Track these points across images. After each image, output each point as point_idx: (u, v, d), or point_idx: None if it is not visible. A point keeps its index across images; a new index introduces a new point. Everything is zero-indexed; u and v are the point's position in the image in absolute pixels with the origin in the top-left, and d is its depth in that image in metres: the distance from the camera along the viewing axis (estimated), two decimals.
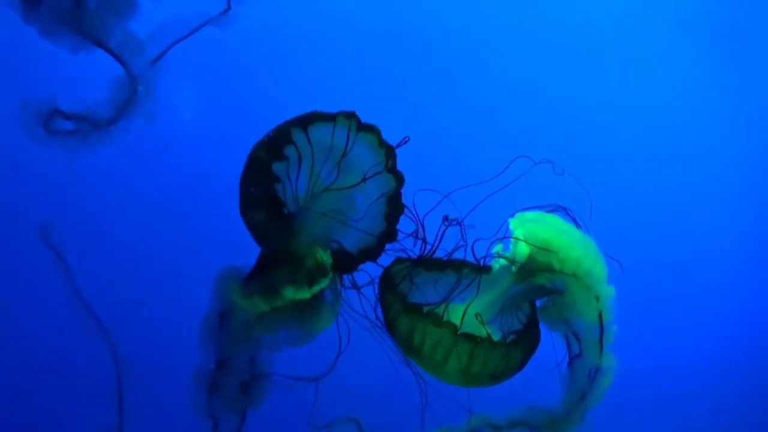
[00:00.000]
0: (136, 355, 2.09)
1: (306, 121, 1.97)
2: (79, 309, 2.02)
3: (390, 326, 2.01)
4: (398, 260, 2.07)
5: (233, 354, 1.99)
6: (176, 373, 2.04)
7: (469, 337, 1.89)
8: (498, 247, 2.06)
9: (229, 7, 1.92)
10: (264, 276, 1.92)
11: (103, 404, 2.08)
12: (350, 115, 1.98)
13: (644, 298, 3.43)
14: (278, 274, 1.91)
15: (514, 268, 2.01)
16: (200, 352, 1.98)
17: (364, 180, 1.99)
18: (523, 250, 2.00)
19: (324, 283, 1.92)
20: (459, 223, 2.03)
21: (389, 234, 2.03)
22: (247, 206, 1.94)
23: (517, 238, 1.99)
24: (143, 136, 1.92)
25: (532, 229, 1.97)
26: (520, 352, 1.95)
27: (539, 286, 1.99)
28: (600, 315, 1.94)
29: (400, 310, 1.94)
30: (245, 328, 1.95)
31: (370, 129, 2.01)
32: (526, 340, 1.99)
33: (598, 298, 1.93)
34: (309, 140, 1.98)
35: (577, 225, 2.01)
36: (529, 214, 2.01)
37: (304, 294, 1.89)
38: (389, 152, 2.00)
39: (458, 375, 1.92)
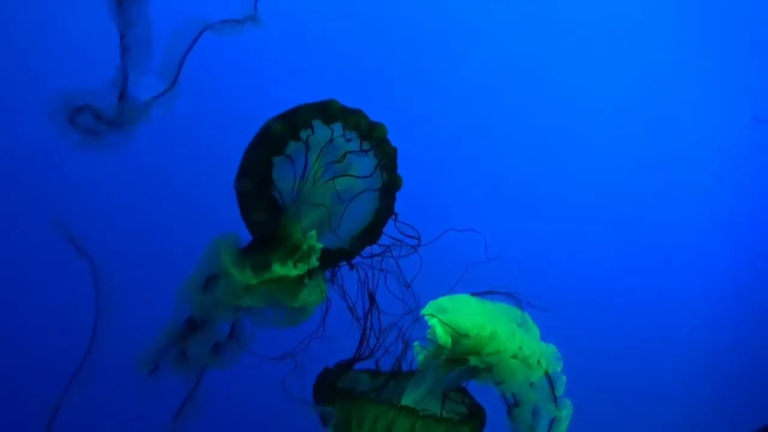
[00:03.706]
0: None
1: (326, 111, 1.90)
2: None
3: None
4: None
5: (211, 316, 1.94)
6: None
7: (411, 411, 1.78)
8: (416, 344, 1.95)
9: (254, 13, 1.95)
10: (259, 250, 1.91)
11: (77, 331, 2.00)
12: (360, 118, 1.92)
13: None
14: (272, 250, 1.90)
15: (441, 357, 1.90)
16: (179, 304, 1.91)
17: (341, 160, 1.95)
18: (445, 337, 1.87)
19: (313, 263, 1.88)
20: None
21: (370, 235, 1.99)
22: (243, 174, 1.91)
23: (436, 327, 1.88)
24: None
25: (451, 317, 1.86)
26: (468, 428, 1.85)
27: (472, 368, 1.90)
28: (546, 372, 1.89)
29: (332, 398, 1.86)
30: (230, 295, 1.90)
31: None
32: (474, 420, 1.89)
33: (539, 361, 1.87)
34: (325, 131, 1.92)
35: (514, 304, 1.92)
36: (443, 300, 1.90)
37: (292, 270, 1.86)
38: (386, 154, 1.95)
39: None
